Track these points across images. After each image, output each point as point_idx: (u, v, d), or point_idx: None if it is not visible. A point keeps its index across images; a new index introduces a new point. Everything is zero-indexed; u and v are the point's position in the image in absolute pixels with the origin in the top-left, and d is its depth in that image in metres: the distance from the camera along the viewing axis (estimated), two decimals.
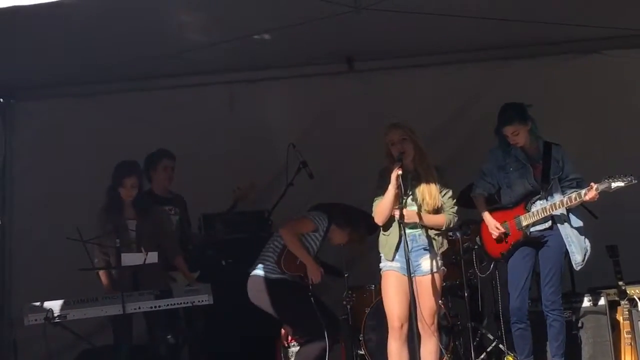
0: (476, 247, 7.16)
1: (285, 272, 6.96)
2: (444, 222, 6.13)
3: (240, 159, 8.23)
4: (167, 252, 7.10)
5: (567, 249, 6.55)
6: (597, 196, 6.26)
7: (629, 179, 6.17)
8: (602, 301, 7.07)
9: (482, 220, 6.83)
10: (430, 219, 6.09)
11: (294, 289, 6.96)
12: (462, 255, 7.34)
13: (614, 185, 6.19)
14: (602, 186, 6.22)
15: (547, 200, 6.57)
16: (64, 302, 6.53)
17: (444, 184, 6.19)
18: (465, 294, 7.34)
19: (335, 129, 7.99)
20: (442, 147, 7.81)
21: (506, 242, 6.69)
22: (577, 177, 6.63)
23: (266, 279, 6.96)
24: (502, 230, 6.64)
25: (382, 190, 6.06)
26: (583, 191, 6.33)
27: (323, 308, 6.95)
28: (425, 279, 6.05)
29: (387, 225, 6.12)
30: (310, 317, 6.78)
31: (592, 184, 6.28)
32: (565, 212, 6.56)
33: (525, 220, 6.59)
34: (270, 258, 7.01)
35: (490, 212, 6.79)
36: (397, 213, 5.92)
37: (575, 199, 6.38)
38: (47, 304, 6.47)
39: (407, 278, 5.84)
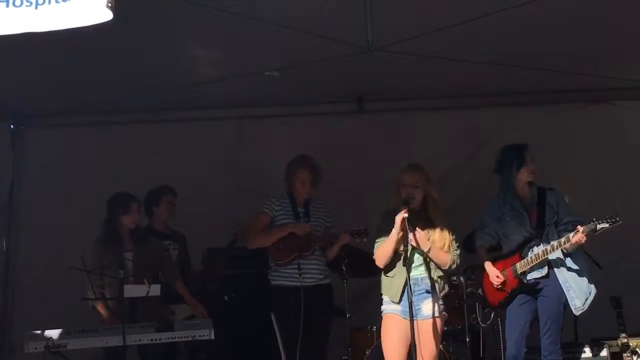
0: (479, 292, 7.13)
1: (279, 263, 6.98)
2: (448, 260, 6.11)
3: (246, 194, 8.20)
4: (167, 279, 7.06)
5: (565, 298, 6.48)
6: (585, 238, 6.21)
7: (614, 219, 6.12)
8: (604, 352, 7.03)
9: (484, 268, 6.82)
10: (437, 253, 6.08)
11: (283, 302, 6.94)
12: (465, 300, 7.31)
13: (599, 226, 6.15)
14: (587, 228, 6.19)
15: (543, 246, 6.53)
16: (65, 331, 6.50)
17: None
18: (467, 339, 7.30)
19: (341, 168, 7.99)
20: (450, 191, 7.77)
21: (504, 291, 6.66)
22: (572, 219, 6.55)
23: (270, 288, 7.07)
24: (502, 278, 6.62)
25: (384, 232, 6.08)
26: (571, 234, 6.28)
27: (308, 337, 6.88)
28: (426, 323, 6.01)
29: (389, 267, 6.11)
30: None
31: (579, 226, 6.23)
32: (562, 257, 6.50)
33: (520, 268, 6.55)
34: (270, 265, 7.08)
35: (492, 261, 6.77)
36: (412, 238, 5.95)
37: (564, 242, 6.32)
38: (48, 333, 6.45)
39: (408, 322, 5.81)
